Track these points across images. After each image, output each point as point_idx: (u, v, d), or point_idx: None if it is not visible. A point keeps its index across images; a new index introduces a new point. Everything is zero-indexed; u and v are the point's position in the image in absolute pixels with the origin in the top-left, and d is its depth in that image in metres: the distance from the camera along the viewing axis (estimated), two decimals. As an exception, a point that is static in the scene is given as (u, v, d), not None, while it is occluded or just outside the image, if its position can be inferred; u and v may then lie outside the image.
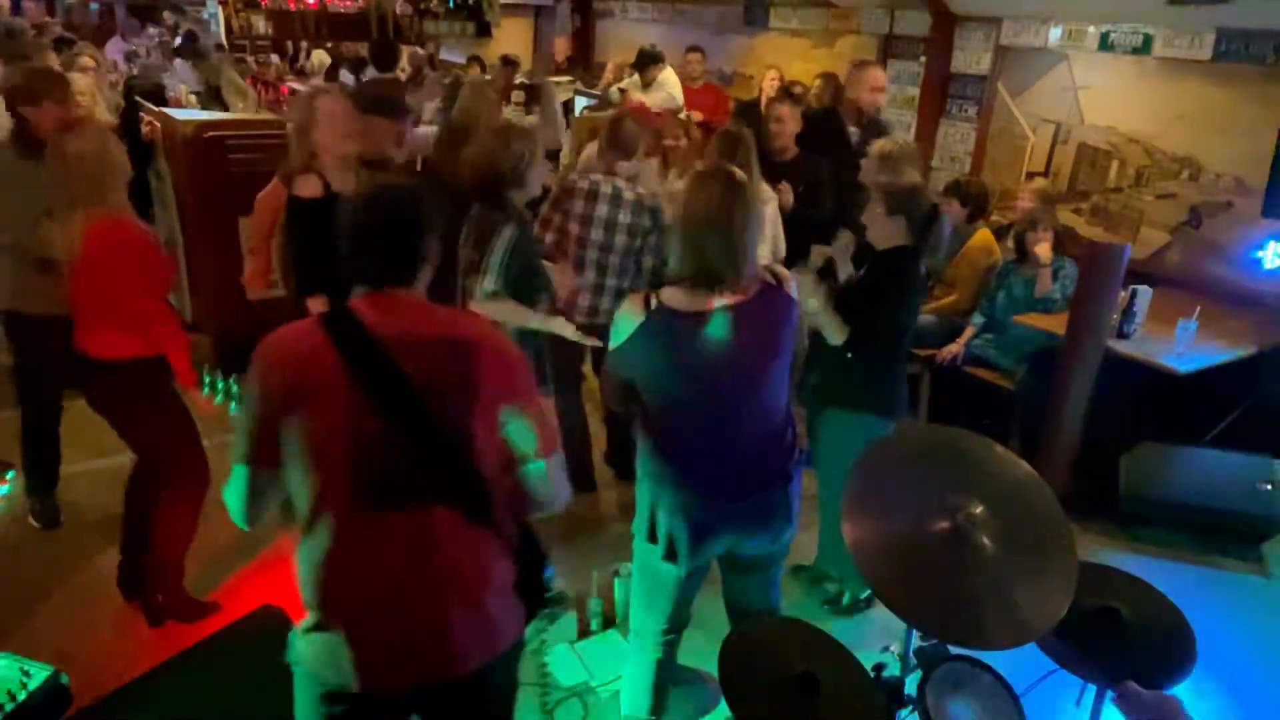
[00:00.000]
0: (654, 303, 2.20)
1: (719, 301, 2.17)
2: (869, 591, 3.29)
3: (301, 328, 1.71)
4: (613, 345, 2.27)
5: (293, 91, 8.08)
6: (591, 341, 3.27)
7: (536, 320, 3.17)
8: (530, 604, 1.86)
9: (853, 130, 4.85)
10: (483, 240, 3.09)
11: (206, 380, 4.21)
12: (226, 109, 7.02)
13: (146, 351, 2.87)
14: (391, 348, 1.65)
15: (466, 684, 1.75)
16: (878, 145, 4.04)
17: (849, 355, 2.99)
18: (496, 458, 1.74)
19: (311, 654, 1.72)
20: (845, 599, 3.39)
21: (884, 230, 3.02)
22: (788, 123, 4.44)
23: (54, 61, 5.95)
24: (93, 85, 5.74)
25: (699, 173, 2.31)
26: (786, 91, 6.44)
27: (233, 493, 1.70)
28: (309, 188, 3.17)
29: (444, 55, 11.10)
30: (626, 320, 2.22)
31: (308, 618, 1.73)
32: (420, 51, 9.99)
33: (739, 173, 2.25)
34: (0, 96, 3.68)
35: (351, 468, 1.64)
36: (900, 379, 3.17)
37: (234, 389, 3.99)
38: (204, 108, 7.06)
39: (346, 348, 1.64)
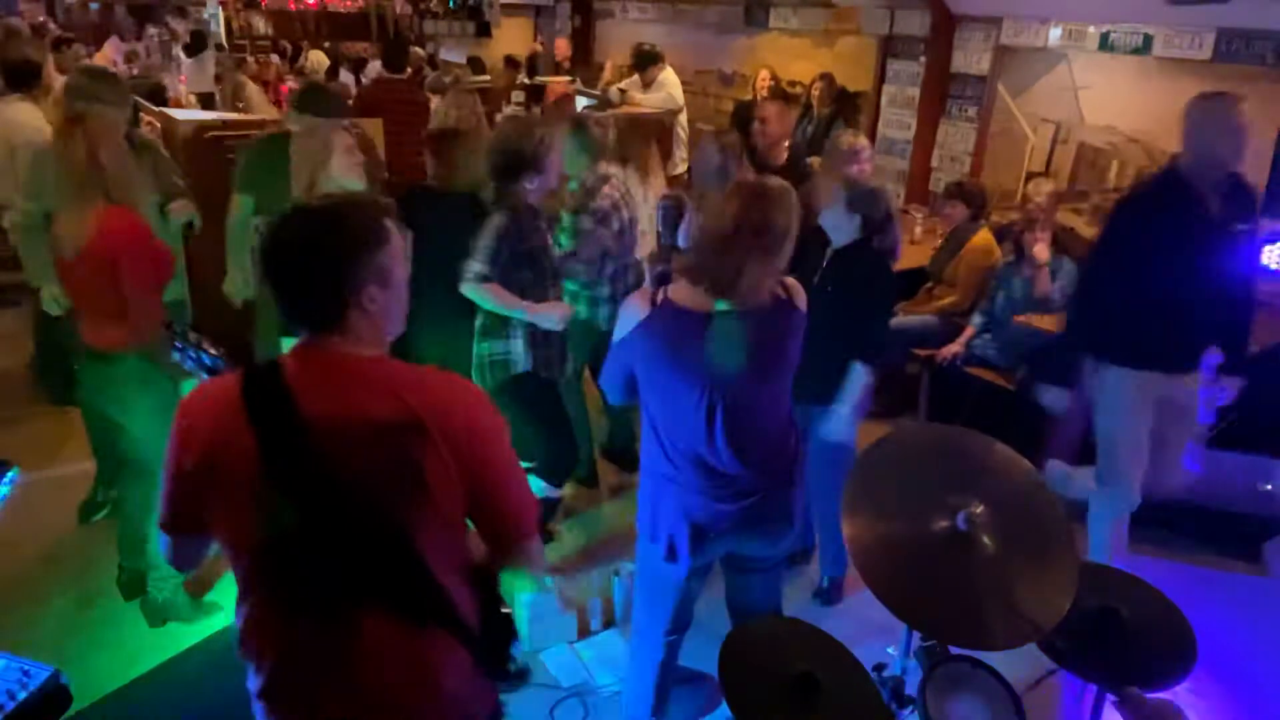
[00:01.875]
0: (660, 299, 2.19)
1: (728, 305, 2.17)
2: (842, 571, 3.42)
3: (220, 392, 1.45)
4: (615, 339, 2.27)
5: (292, 92, 8.09)
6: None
7: (521, 308, 3.14)
8: (493, 672, 1.60)
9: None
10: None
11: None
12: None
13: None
14: (319, 432, 1.38)
15: None
16: (846, 139, 4.05)
17: (824, 358, 3.03)
18: (456, 547, 1.51)
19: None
20: (825, 582, 3.45)
21: (842, 226, 3.09)
22: (772, 123, 4.29)
23: (50, 62, 5.95)
24: None
25: (736, 184, 2.30)
26: (780, 91, 6.45)
27: (162, 550, 1.58)
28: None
29: (444, 55, 11.10)
30: (631, 314, 2.22)
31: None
32: (420, 51, 10.00)
33: (780, 183, 2.24)
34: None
35: (261, 567, 1.44)
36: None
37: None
38: (208, 108, 7.07)
39: (264, 430, 1.39)
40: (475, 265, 3.06)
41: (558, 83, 6.17)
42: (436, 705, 1.51)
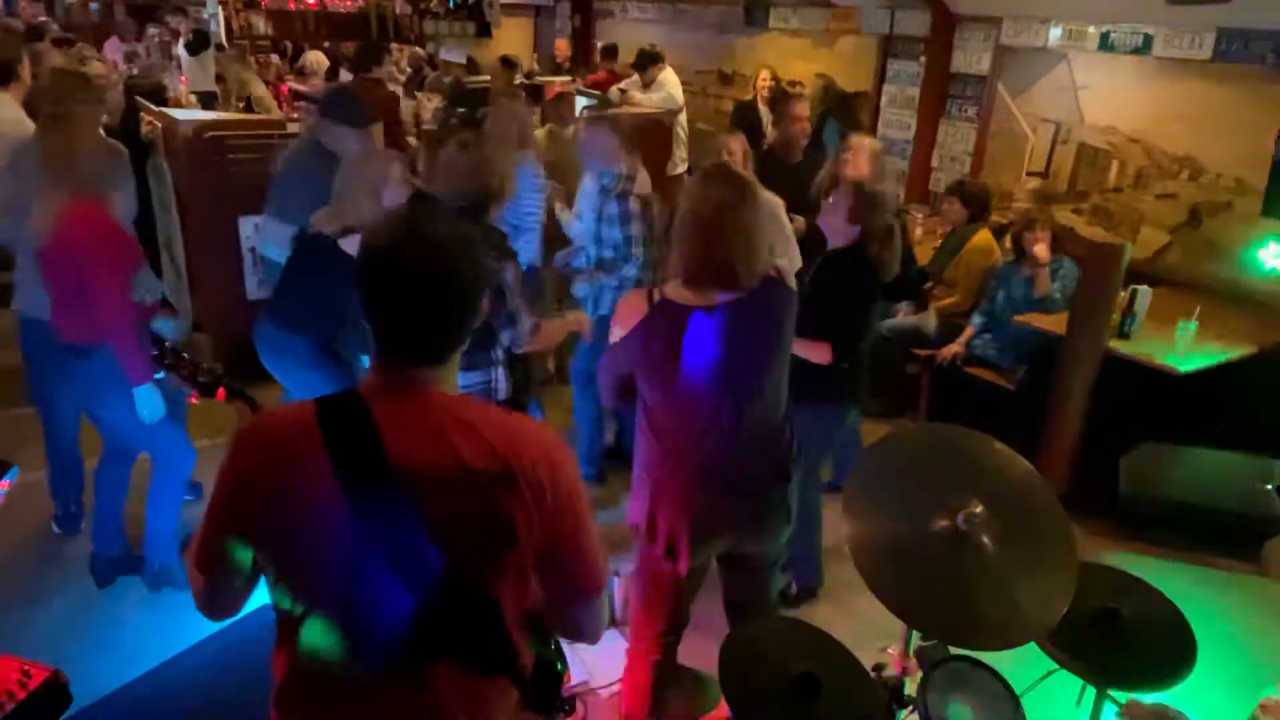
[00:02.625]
0: (656, 296, 2.20)
1: (723, 297, 2.17)
2: (815, 580, 3.44)
3: (292, 421, 1.33)
4: (612, 340, 2.27)
5: (293, 92, 8.09)
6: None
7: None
8: (541, 706, 1.56)
9: None
10: None
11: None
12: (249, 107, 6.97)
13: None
14: (408, 475, 1.26)
15: None
16: (867, 143, 4.05)
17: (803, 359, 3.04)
18: (526, 597, 1.43)
19: None
20: (793, 588, 3.43)
21: (840, 228, 3.09)
22: (803, 122, 4.39)
23: (59, 61, 5.96)
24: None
25: (704, 171, 2.32)
26: (782, 92, 6.45)
27: (193, 595, 1.44)
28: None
29: (444, 55, 11.09)
30: (628, 315, 2.23)
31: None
32: (420, 51, 10.00)
33: (745, 171, 2.26)
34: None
35: (329, 611, 1.32)
36: (860, 369, 3.21)
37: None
38: (208, 107, 7.06)
39: (348, 470, 1.26)
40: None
41: (556, 82, 6.14)
42: None
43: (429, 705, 1.35)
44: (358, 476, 1.26)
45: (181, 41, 8.57)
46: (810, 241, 3.10)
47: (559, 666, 1.60)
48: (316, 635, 1.33)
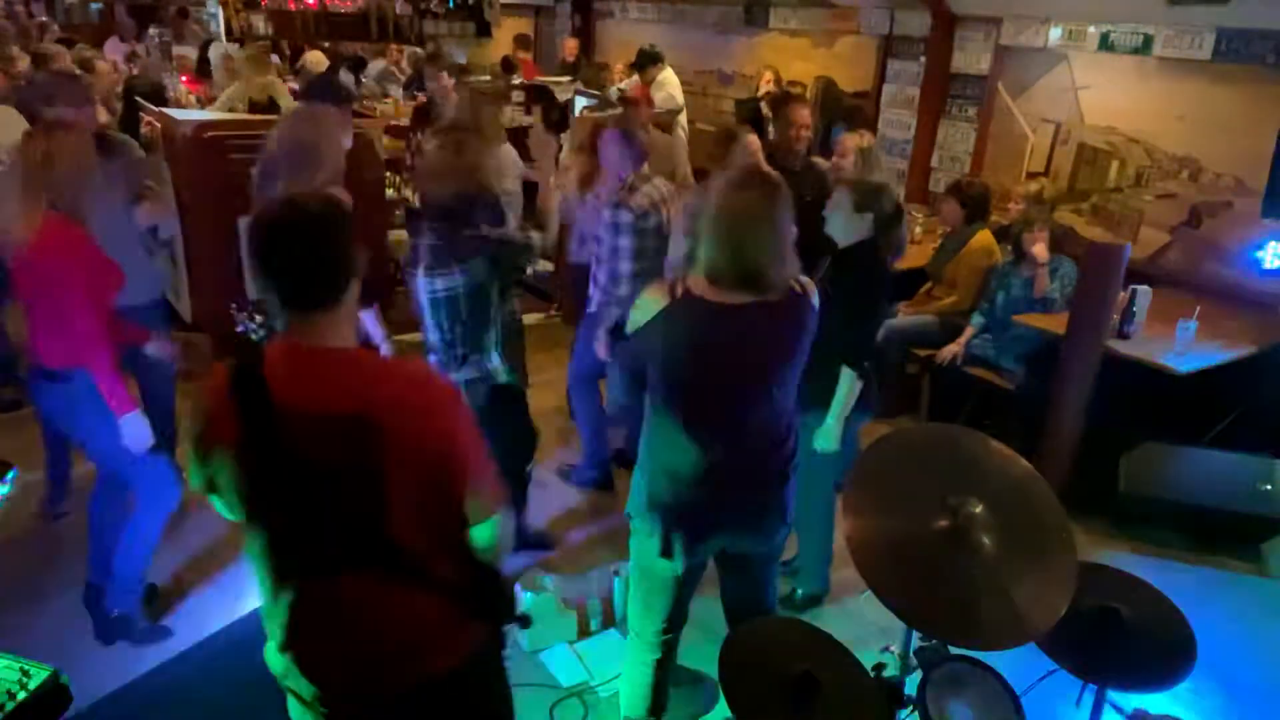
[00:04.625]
0: (680, 289, 2.18)
1: (748, 299, 2.16)
2: (820, 587, 3.42)
3: (217, 383, 1.60)
4: (631, 328, 2.26)
5: (293, 92, 8.07)
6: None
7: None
8: (493, 616, 1.77)
9: None
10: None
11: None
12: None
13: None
14: (294, 426, 1.52)
15: (433, 685, 1.70)
16: (853, 140, 4.05)
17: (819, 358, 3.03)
18: (425, 520, 1.62)
19: (283, 670, 1.72)
20: (798, 594, 3.42)
21: (849, 225, 3.07)
22: (807, 127, 4.29)
23: (67, 61, 5.96)
24: (101, 90, 5.73)
25: (738, 174, 2.29)
26: (784, 92, 6.45)
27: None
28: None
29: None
30: (650, 304, 2.20)
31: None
32: (420, 51, 9.99)
33: (776, 174, 2.24)
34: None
35: (259, 532, 1.62)
36: (870, 373, 3.16)
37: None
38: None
39: (247, 423, 1.54)
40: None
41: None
42: (410, 641, 1.67)
43: (347, 607, 1.61)
44: (253, 430, 1.53)
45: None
46: (814, 249, 3.09)
47: (496, 579, 1.77)
48: (255, 548, 1.63)
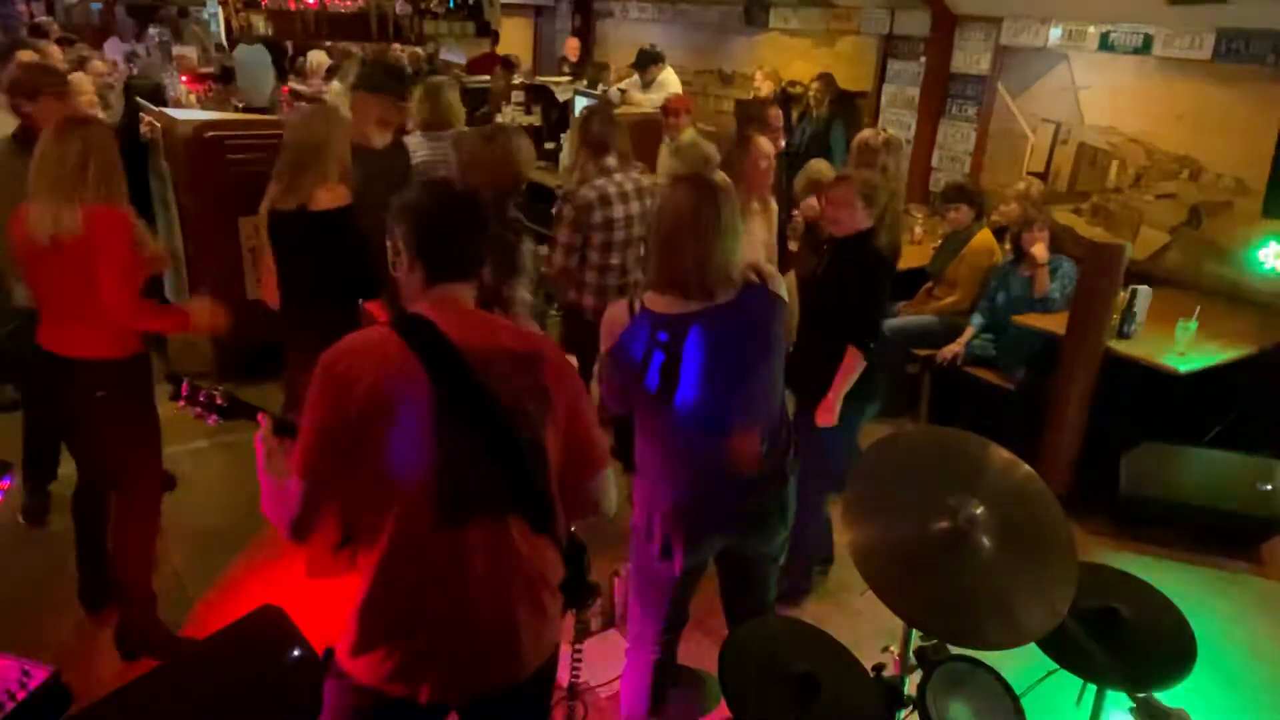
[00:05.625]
0: (637, 306, 2.21)
1: (696, 305, 2.17)
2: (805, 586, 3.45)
3: (374, 337, 1.67)
4: (602, 348, 2.28)
5: (293, 92, 8.07)
6: None
7: None
8: (573, 595, 1.89)
9: None
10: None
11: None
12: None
13: (121, 353, 2.77)
14: (473, 361, 1.64)
15: (523, 686, 1.78)
16: (863, 136, 4.07)
17: (828, 346, 3.03)
18: (560, 468, 1.76)
19: (373, 668, 1.67)
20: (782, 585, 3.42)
21: (854, 217, 3.10)
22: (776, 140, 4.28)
23: (58, 58, 5.94)
24: (96, 86, 5.72)
25: (675, 179, 2.32)
26: (783, 92, 6.43)
27: (283, 509, 1.63)
28: (336, 197, 3.14)
29: (444, 55, 11.08)
30: (613, 324, 2.23)
31: (364, 632, 1.68)
32: (420, 51, 9.98)
33: (718, 178, 2.24)
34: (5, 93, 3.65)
35: (434, 482, 1.62)
36: (875, 363, 3.18)
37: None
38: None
39: (431, 360, 1.61)
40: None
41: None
42: (550, 598, 1.79)
43: (506, 550, 1.69)
44: (439, 365, 1.61)
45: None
46: (811, 243, 3.10)
47: (584, 551, 1.93)
48: (411, 500, 1.61)
